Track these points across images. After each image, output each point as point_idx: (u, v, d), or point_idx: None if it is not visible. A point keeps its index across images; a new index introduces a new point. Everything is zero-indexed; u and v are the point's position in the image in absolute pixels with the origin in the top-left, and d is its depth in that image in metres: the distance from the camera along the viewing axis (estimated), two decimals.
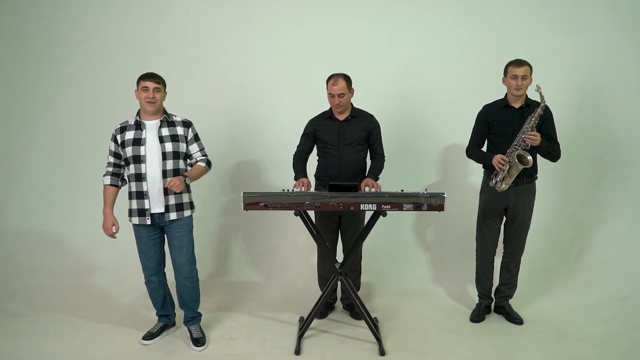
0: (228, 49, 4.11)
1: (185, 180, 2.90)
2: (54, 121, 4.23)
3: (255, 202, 2.77)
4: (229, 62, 4.12)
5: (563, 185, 4.12)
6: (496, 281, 3.44)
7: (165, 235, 3.05)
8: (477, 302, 3.49)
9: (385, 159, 3.31)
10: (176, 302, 3.22)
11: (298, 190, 2.96)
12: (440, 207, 2.76)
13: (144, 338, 3.11)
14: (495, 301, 3.47)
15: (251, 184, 4.11)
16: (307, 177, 3.19)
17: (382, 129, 3.31)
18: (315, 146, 3.34)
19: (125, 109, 4.03)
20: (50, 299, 3.68)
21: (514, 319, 3.33)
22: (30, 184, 4.29)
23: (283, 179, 3.94)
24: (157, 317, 3.23)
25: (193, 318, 3.15)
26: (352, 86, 3.19)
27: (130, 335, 3.18)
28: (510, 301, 3.43)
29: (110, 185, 3.00)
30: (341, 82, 3.09)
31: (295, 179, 3.20)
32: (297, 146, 3.35)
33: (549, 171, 3.95)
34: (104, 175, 3.02)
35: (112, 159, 3.00)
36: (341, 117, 3.23)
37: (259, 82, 4.12)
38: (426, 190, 2.79)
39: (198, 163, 3.05)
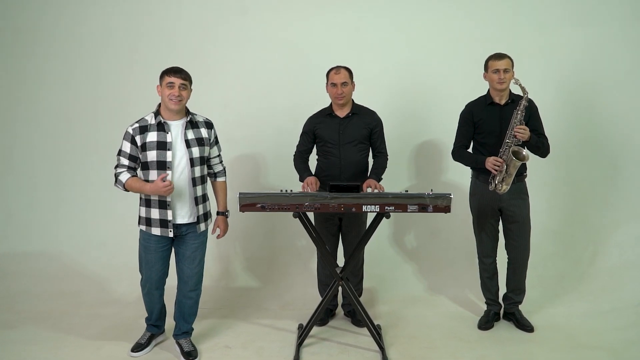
0: (223, 42, 4.02)
1: (227, 216, 3.02)
2: (39, 118, 4.12)
3: (252, 203, 2.71)
4: (223, 56, 4.03)
5: (576, 186, 4.03)
6: (502, 286, 3.37)
7: (173, 246, 2.87)
8: (485, 308, 3.40)
9: (388, 157, 3.25)
10: (170, 313, 3.08)
11: (307, 190, 2.95)
12: (446, 209, 2.70)
13: (133, 350, 2.96)
14: (504, 307, 3.39)
15: (248, 184, 4.01)
16: (313, 175, 3.15)
17: (384, 126, 3.24)
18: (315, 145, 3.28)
19: (116, 104, 4.01)
20: (35, 306, 3.59)
21: (524, 326, 3.25)
22: (14, 184, 4.17)
23: (282, 179, 3.85)
24: (145, 325, 3.08)
25: (186, 332, 2.99)
26: (354, 81, 3.15)
27: (119, 344, 3.08)
28: (520, 307, 3.34)
29: (132, 176, 2.69)
30: (344, 71, 3.10)
31: (301, 179, 3.15)
32: (297, 146, 3.29)
33: (562, 172, 3.90)
34: (118, 175, 2.70)
35: (126, 162, 2.69)
36: (342, 114, 3.16)
37: (256, 77, 4.04)
38: (432, 190, 2.71)
39: (218, 180, 2.98)
